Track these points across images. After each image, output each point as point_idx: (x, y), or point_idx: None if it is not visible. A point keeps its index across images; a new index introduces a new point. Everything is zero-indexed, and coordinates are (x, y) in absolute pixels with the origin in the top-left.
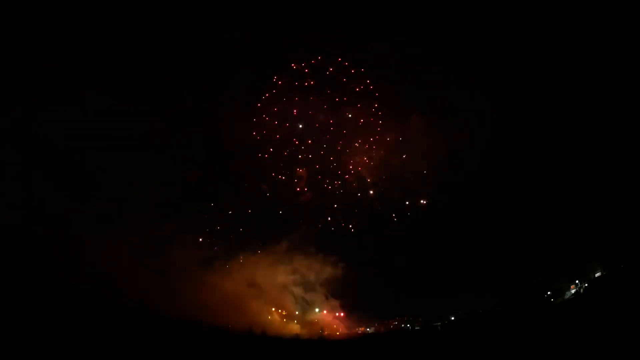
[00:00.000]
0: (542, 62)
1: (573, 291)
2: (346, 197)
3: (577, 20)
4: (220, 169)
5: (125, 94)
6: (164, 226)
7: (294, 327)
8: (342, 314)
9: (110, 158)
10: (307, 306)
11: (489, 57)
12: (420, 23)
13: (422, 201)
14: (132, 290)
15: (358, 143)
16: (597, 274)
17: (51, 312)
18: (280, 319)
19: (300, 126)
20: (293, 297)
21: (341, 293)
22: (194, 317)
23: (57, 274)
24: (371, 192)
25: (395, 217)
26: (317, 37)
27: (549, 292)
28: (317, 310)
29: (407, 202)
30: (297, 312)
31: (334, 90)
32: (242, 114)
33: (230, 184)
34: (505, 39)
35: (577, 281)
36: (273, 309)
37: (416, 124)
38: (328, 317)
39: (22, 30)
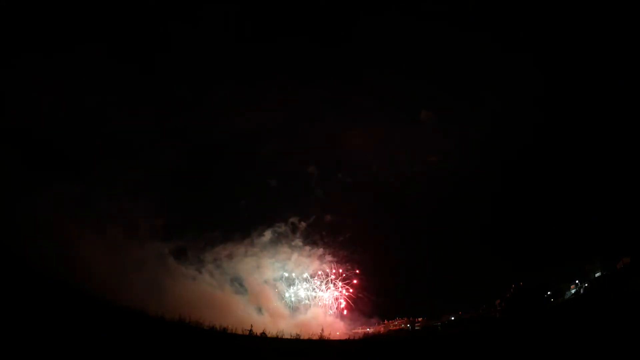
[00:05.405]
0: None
1: (573, 291)
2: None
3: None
4: (208, 158)
5: (111, 82)
6: (138, 213)
7: (286, 326)
8: (336, 314)
9: (84, 137)
10: (297, 304)
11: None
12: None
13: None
14: (107, 281)
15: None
16: (597, 274)
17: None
18: (270, 317)
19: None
20: (281, 294)
21: (339, 292)
22: (176, 313)
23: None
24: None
25: (397, 215)
26: None
27: (549, 292)
28: (308, 308)
29: (409, 199)
30: (288, 309)
31: None
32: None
33: (217, 173)
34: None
35: (577, 281)
36: (261, 307)
37: (424, 120)
38: (321, 317)
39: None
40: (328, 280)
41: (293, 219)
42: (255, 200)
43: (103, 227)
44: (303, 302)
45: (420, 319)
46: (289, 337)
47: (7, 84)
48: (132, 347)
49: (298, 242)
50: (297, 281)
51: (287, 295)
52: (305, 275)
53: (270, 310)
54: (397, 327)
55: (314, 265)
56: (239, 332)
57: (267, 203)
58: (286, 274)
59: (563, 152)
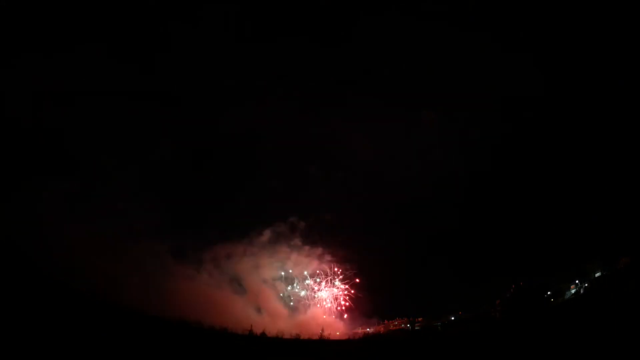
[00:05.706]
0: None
1: (573, 291)
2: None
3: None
4: (208, 157)
5: (111, 82)
6: (137, 212)
7: (286, 326)
8: (336, 314)
9: (84, 137)
10: (296, 304)
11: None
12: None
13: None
14: (106, 281)
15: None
16: (597, 274)
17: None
18: (269, 317)
19: None
20: (279, 294)
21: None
22: (175, 312)
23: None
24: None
25: (397, 214)
26: None
27: (549, 292)
28: (307, 308)
29: (409, 199)
30: (287, 309)
31: None
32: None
33: (216, 173)
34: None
35: (577, 281)
36: (260, 307)
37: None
38: (321, 317)
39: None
40: (328, 280)
41: (292, 219)
42: (254, 200)
43: (102, 226)
44: (302, 302)
45: (420, 319)
46: (288, 337)
47: (7, 83)
48: (132, 347)
49: (297, 241)
50: (296, 281)
51: (285, 295)
52: (305, 274)
53: (270, 310)
54: (397, 327)
55: (313, 264)
56: (239, 332)
57: (267, 203)
58: (283, 273)
59: (563, 152)
